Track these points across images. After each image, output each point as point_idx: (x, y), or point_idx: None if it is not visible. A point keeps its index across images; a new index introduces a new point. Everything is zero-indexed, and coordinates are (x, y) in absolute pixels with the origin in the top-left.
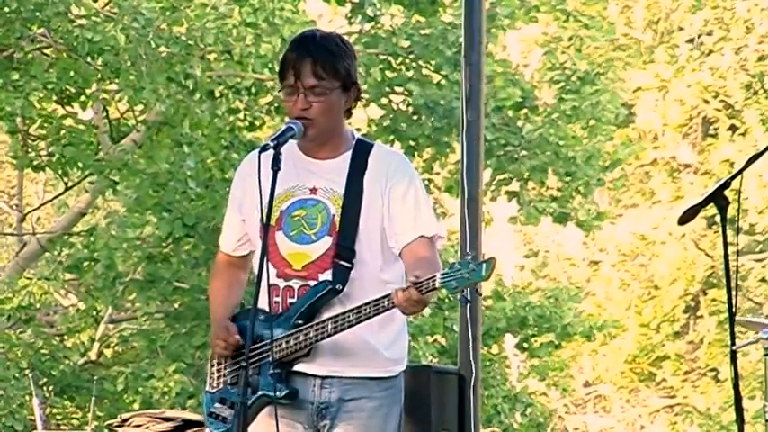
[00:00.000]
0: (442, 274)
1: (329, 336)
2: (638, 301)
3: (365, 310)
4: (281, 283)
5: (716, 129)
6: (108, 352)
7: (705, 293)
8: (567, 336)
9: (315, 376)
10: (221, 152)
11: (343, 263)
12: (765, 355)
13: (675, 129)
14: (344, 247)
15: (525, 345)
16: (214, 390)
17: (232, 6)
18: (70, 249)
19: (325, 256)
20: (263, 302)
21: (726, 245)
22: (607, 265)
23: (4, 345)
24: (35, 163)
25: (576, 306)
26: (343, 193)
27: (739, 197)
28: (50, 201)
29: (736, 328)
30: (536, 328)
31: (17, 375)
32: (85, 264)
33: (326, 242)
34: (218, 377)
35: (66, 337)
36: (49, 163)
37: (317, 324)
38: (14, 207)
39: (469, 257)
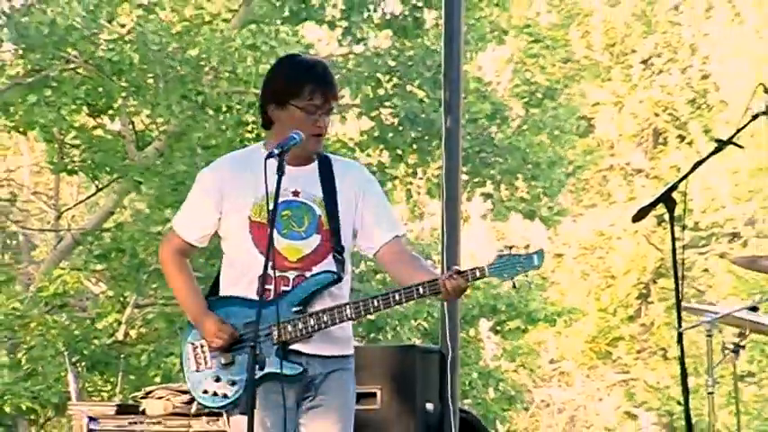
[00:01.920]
0: (490, 265)
1: (349, 320)
2: (597, 289)
3: (394, 296)
4: (275, 274)
5: (665, 138)
6: (133, 333)
7: (655, 282)
8: (532, 321)
9: (304, 354)
10: None
11: (338, 256)
12: (707, 336)
13: (629, 138)
14: (338, 243)
15: (498, 328)
16: (204, 369)
17: (236, 30)
18: (100, 242)
19: (318, 250)
20: (242, 290)
21: (674, 240)
22: (569, 257)
23: (42, 327)
24: (69, 168)
25: (542, 294)
26: (323, 197)
27: (685, 198)
28: (83, 201)
29: (683, 313)
30: (505, 315)
31: (53, 354)
32: (113, 254)
33: (316, 239)
34: (206, 358)
35: (96, 320)
36: (81, 167)
37: (332, 309)
38: (52, 206)
39: (511, 250)
